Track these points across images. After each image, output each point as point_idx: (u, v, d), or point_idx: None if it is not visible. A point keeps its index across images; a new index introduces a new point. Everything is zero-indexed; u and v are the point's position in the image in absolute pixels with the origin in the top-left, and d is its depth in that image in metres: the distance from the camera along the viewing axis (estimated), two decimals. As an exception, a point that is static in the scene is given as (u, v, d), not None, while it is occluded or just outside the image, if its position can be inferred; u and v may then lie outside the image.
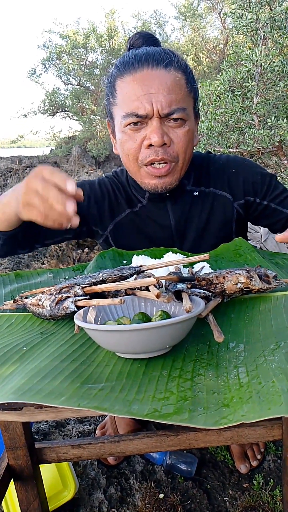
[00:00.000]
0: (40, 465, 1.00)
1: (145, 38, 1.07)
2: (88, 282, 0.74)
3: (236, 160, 1.18)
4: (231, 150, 2.27)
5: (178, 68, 0.99)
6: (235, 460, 1.30)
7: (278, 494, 1.16)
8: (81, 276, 0.81)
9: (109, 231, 1.18)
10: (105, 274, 0.75)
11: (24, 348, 0.65)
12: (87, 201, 1.16)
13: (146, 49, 1.00)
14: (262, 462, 1.31)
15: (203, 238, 1.15)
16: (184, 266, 0.86)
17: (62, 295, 0.72)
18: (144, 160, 1.00)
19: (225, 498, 1.20)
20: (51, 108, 8.37)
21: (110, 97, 1.04)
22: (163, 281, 0.72)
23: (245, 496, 1.19)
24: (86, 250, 3.76)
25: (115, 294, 0.73)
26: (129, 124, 0.98)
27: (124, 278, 0.74)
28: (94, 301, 0.66)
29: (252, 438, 0.99)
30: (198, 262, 0.83)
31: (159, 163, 1.00)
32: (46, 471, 1.14)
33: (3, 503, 1.12)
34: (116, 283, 0.69)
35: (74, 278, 0.80)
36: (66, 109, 8.51)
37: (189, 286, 0.72)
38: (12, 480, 0.96)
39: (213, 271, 0.79)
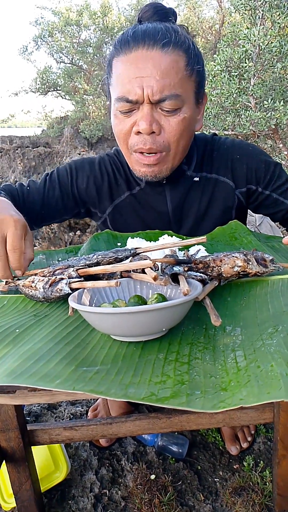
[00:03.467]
0: (32, 447, 1.00)
1: (155, 10, 0.99)
2: (82, 264, 0.72)
3: (241, 145, 1.13)
4: (226, 132, 2.24)
5: (178, 48, 0.91)
6: (226, 441, 1.31)
7: (268, 475, 1.18)
8: (75, 258, 0.79)
9: (107, 213, 1.15)
10: (100, 256, 0.73)
11: (17, 330, 0.64)
12: (86, 183, 1.13)
13: (146, 26, 0.93)
14: (252, 444, 1.32)
15: (202, 225, 1.12)
16: (179, 249, 0.85)
17: (56, 277, 0.71)
18: (133, 147, 0.96)
19: (215, 479, 1.22)
20: (43, 87, 8.18)
21: (108, 76, 0.99)
22: (159, 264, 0.71)
23: (235, 477, 1.21)
24: (78, 232, 3.72)
25: (110, 276, 0.72)
26: (121, 108, 0.94)
27: (120, 260, 0.73)
28: (89, 283, 0.64)
29: (244, 421, 0.99)
30: (194, 245, 0.82)
31: (148, 153, 0.95)
32: (38, 452, 1.14)
33: (-5, 483, 1.12)
34: (112, 265, 0.68)
35: (67, 260, 0.79)
36: (58, 88, 8.33)
37: (185, 269, 0.71)
38: (4, 461, 0.96)
39: (209, 254, 0.78)
